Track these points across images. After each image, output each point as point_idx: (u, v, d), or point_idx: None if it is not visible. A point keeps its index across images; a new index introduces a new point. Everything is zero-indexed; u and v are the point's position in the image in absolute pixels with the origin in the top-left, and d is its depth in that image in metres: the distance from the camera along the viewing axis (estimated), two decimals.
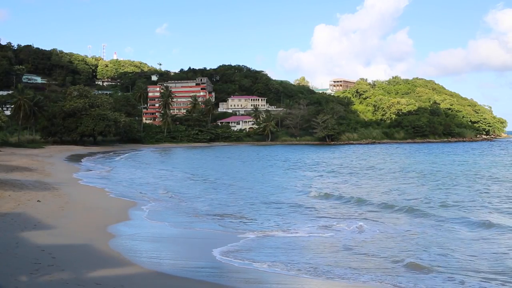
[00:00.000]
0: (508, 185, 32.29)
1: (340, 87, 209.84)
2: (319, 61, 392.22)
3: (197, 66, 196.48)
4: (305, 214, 21.33)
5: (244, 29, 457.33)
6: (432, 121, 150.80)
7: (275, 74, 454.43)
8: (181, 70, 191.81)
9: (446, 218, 19.66)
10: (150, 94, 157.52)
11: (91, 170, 44.14)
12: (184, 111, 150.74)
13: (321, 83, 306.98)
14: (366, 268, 12.54)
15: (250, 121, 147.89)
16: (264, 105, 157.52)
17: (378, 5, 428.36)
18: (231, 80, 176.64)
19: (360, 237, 16.37)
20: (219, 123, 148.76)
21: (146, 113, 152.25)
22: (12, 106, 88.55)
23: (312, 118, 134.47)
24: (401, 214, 21.06)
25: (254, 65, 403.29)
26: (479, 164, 52.77)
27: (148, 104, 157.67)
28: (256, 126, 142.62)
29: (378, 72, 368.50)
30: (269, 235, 16.53)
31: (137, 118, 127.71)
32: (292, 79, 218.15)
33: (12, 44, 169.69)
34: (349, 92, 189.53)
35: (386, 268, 12.51)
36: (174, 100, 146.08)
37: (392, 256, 13.58)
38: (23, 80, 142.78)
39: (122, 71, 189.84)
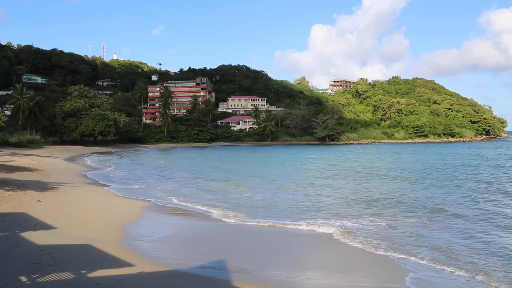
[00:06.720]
0: None
1: (340, 87, 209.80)
2: (316, 61, 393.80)
3: (197, 66, 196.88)
4: None
5: (242, 29, 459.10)
6: (432, 121, 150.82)
7: (272, 74, 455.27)
8: (181, 70, 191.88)
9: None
10: (150, 94, 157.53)
11: (91, 170, 44.11)
12: (184, 111, 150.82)
13: (321, 83, 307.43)
14: None
15: (250, 121, 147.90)
16: (264, 105, 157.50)
17: (375, 6, 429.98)
18: (231, 80, 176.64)
19: None
20: (219, 123, 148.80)
21: (146, 113, 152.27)
22: (12, 106, 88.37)
23: (312, 118, 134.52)
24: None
25: (253, 65, 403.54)
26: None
27: (148, 104, 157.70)
28: (256, 126, 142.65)
29: (374, 72, 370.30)
30: None
31: (137, 118, 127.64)
32: (288, 79, 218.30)
33: (12, 44, 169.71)
34: (349, 92, 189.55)
35: None
36: (174, 100, 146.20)
37: None
38: (23, 80, 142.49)
39: (122, 71, 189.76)
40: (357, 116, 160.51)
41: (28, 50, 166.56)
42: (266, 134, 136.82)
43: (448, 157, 68.17)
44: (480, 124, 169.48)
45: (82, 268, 10.94)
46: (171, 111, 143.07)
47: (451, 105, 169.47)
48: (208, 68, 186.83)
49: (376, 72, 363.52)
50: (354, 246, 15.05)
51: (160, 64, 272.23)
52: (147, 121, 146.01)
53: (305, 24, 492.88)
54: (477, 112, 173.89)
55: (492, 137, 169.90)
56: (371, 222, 18.94)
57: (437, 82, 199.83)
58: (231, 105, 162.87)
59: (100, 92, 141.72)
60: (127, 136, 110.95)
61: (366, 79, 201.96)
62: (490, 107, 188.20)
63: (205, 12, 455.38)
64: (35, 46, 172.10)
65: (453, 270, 12.40)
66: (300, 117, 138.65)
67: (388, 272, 12.37)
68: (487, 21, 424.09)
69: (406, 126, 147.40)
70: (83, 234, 15.04)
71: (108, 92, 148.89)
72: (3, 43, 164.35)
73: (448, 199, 25.68)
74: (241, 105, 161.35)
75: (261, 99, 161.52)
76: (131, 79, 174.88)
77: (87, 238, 14.47)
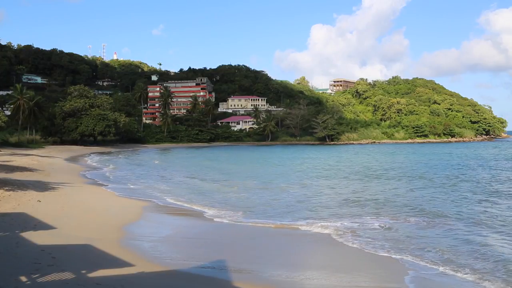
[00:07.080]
0: None
1: (340, 87, 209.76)
2: (316, 61, 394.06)
3: (197, 66, 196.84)
4: None
5: (242, 29, 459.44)
6: (432, 121, 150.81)
7: (272, 74, 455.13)
8: (181, 70, 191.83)
9: None
10: (150, 94, 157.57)
11: (91, 170, 44.12)
12: (184, 111, 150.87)
13: (321, 83, 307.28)
14: None
15: (250, 121, 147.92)
16: (264, 105, 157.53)
17: (375, 6, 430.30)
18: (231, 80, 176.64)
19: None
20: (219, 123, 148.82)
21: (146, 113, 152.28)
22: (12, 106, 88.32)
23: (312, 118, 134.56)
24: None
25: (253, 65, 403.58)
26: None
27: (148, 104, 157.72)
28: (256, 126, 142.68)
29: (374, 72, 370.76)
30: None
31: (137, 118, 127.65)
32: (288, 79, 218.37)
33: (12, 44, 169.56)
34: (349, 92, 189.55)
35: None
36: (174, 100, 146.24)
37: None
38: (23, 80, 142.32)
39: (122, 71, 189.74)
40: (357, 116, 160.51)
41: (28, 50, 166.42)
42: (266, 134, 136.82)
43: (447, 157, 68.19)
44: (480, 124, 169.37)
45: (82, 268, 10.94)
46: (171, 111, 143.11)
47: (451, 105, 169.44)
48: (208, 68, 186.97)
49: (376, 72, 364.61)
50: (353, 246, 15.06)
51: (160, 64, 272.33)
52: (147, 121, 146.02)
53: (305, 24, 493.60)
54: (477, 112, 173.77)
55: (492, 137, 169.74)
56: (370, 222, 18.95)
57: (437, 82, 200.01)
58: (231, 105, 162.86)
59: (100, 92, 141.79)
60: (127, 136, 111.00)
61: (366, 79, 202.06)
62: (490, 107, 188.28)
63: (205, 12, 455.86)
64: (35, 46, 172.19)
65: (453, 271, 12.42)
66: (300, 117, 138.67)
67: (388, 272, 12.38)
68: (486, 21, 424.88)
69: (406, 126, 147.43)
70: (83, 234, 15.04)
71: (108, 92, 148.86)
72: (3, 43, 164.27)
73: (445, 199, 25.70)
74: (241, 105, 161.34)
75: (261, 99, 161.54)
76: (131, 79, 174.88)
77: (87, 238, 14.47)
